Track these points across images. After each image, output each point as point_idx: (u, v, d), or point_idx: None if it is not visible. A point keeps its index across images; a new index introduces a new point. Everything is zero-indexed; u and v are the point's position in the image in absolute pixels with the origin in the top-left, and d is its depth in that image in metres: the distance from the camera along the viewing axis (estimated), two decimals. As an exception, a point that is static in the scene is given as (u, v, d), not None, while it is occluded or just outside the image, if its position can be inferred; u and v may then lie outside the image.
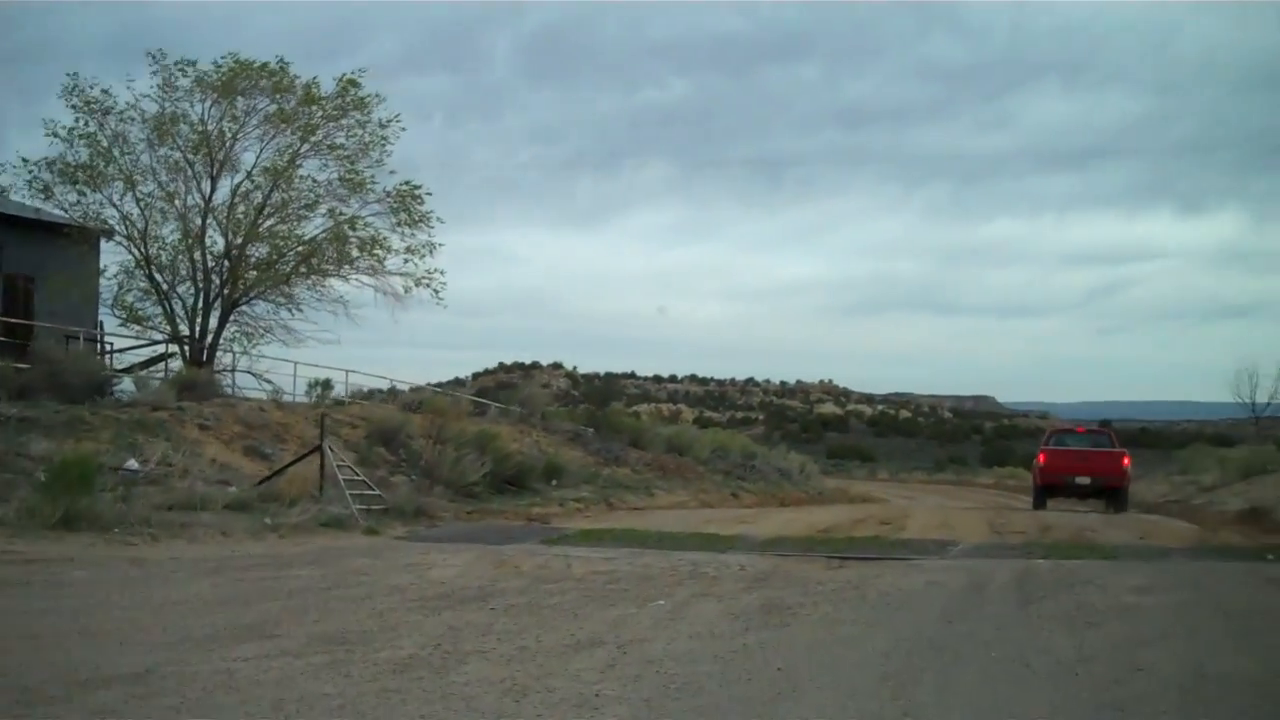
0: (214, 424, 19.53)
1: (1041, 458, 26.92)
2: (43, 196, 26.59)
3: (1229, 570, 11.54)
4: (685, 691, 6.16)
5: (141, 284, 27.55)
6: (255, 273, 27.41)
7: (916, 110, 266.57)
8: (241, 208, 27.31)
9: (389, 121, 27.43)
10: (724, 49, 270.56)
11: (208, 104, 26.74)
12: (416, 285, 27.67)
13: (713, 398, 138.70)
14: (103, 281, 27.71)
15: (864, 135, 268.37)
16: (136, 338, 28.43)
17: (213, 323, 27.08)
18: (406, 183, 27.65)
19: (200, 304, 27.04)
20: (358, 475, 16.88)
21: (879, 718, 5.76)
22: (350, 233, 27.36)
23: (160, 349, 28.10)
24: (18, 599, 8.96)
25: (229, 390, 25.96)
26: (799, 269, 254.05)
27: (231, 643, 7.26)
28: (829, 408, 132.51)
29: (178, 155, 26.85)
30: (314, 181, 27.61)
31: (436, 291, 27.86)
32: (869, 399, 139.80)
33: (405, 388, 34.63)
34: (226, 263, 26.99)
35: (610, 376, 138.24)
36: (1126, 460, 25.99)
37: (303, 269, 27.54)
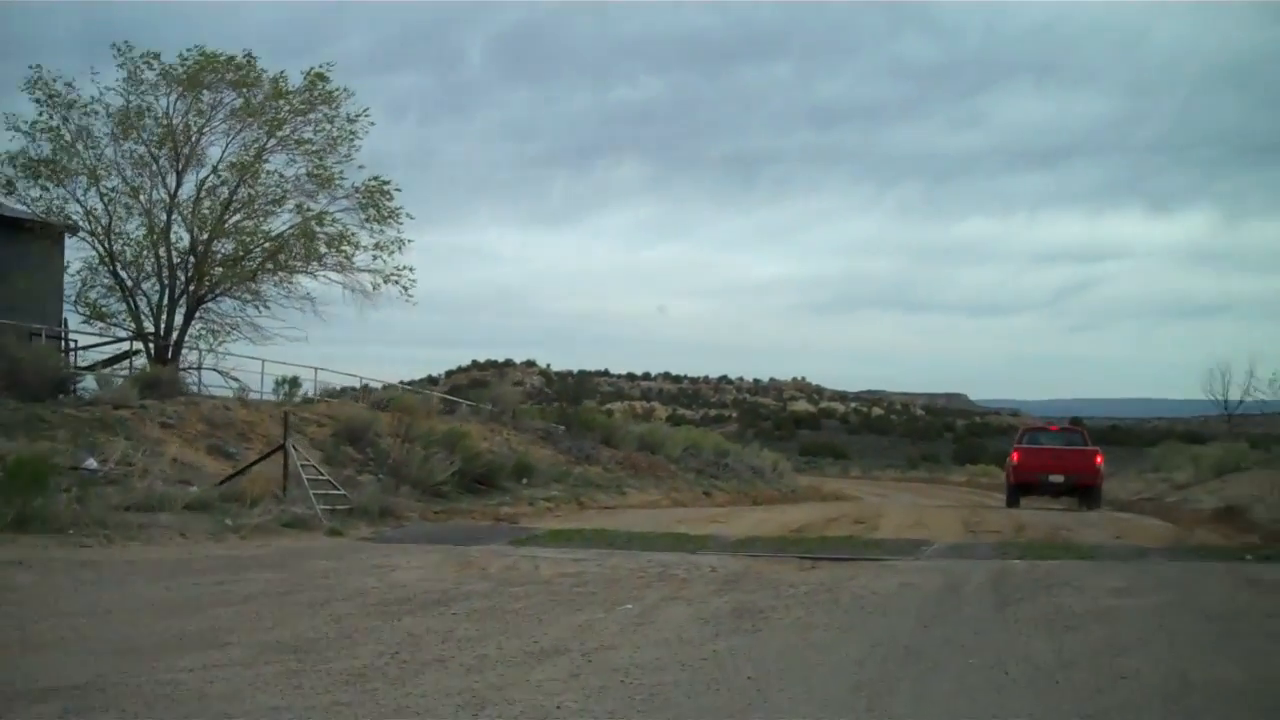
0: (177, 422, 19.16)
1: (1015, 456, 27.00)
2: (4, 191, 26.15)
3: (1208, 571, 11.35)
4: (651, 703, 5.90)
5: (105, 280, 27.20)
6: (221, 269, 27.04)
7: (890, 109, 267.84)
8: (207, 203, 26.97)
9: (358, 116, 27.13)
10: (697, 47, 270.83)
11: (173, 97, 26.39)
12: (385, 282, 27.41)
13: (686, 396, 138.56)
14: (66, 278, 27.31)
15: (837, 134, 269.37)
16: (100, 335, 28.03)
17: (178, 320, 26.71)
18: (375, 178, 27.36)
19: (165, 301, 26.67)
20: (322, 475, 16.55)
21: (853, 730, 5.53)
22: (318, 229, 27.02)
23: (125, 346, 27.70)
24: (-39, 605, 8.63)
25: (194, 388, 25.53)
26: (773, 267, 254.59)
27: (180, 652, 6.96)
28: (802, 405, 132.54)
29: (142, 150, 26.49)
30: (281, 177, 27.30)
31: (406, 289, 27.61)
32: (842, 396, 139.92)
33: (378, 385, 34.31)
34: (192, 259, 26.62)
35: (584, 374, 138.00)
36: (1099, 458, 26.05)
37: (270, 265, 27.20)
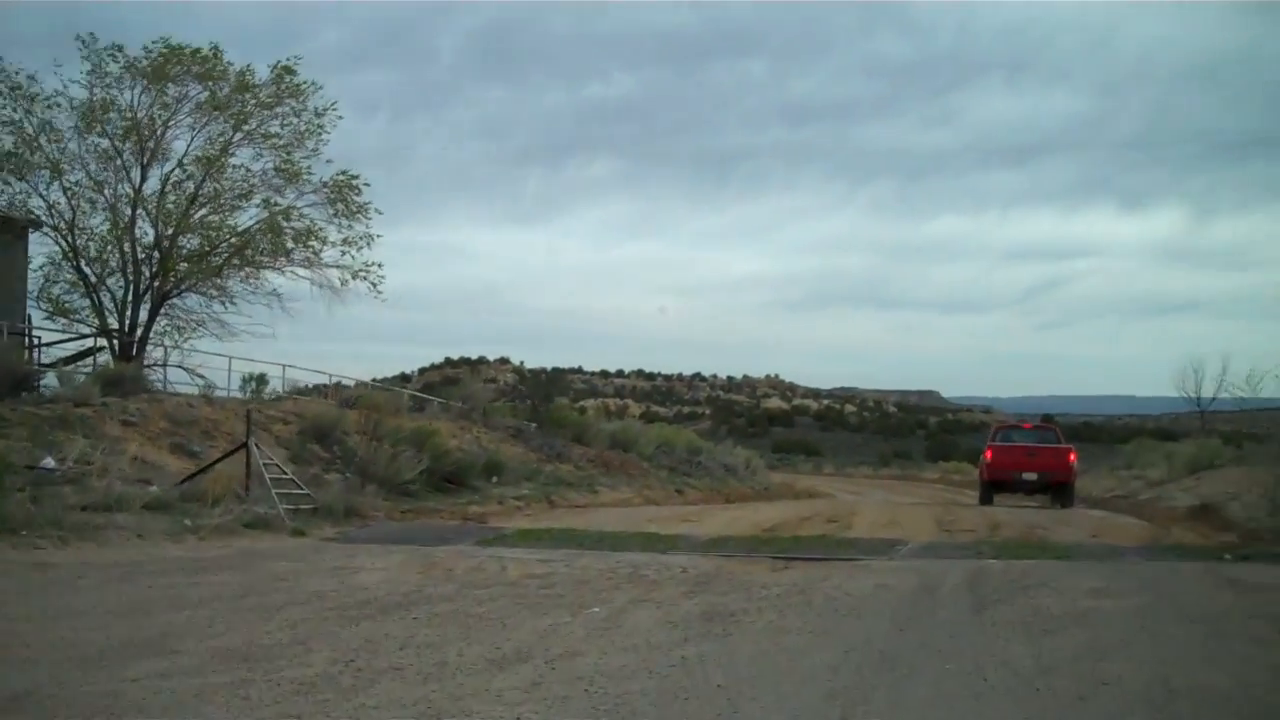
0: (139, 420, 18.77)
1: (988, 454, 26.93)
2: (-36, 186, 25.73)
3: (1186, 571, 11.16)
4: (616, 714, 5.64)
5: (69, 276, 26.91)
6: (187, 265, 26.71)
7: (863, 107, 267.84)
8: (172, 198, 26.68)
9: (325, 110, 26.85)
10: (670, 44, 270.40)
11: (138, 91, 26.05)
12: (354, 278, 27.19)
13: (660, 393, 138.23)
14: (29, 274, 26.85)
15: (810, 131, 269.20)
16: (64, 332, 27.61)
17: (143, 316, 26.38)
18: (343, 173, 27.11)
19: (130, 297, 26.34)
20: (285, 474, 16.23)
21: (826, 742, 5.28)
22: (285, 224, 26.71)
23: (89, 343, 27.28)
24: (-99, 610, 8.30)
25: (158, 385, 25.14)
26: (746, 264, 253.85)
27: (125, 660, 6.67)
28: (775, 402, 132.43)
29: (107, 143, 26.14)
30: (248, 171, 27.07)
31: (375, 284, 27.40)
32: (815, 394, 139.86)
33: (351, 383, 33.93)
34: (157, 254, 26.27)
35: (557, 371, 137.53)
36: (1073, 456, 26.06)
37: (236, 261, 26.88)
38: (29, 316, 27.08)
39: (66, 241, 26.15)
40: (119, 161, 26.17)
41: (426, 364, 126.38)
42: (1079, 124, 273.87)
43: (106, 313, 26.50)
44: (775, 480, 40.32)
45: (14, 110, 25.51)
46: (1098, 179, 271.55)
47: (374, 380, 35.94)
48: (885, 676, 6.52)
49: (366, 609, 8.60)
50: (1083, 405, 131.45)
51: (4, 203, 25.68)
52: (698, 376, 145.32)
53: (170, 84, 25.97)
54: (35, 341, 27.15)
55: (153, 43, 25.88)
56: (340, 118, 27.11)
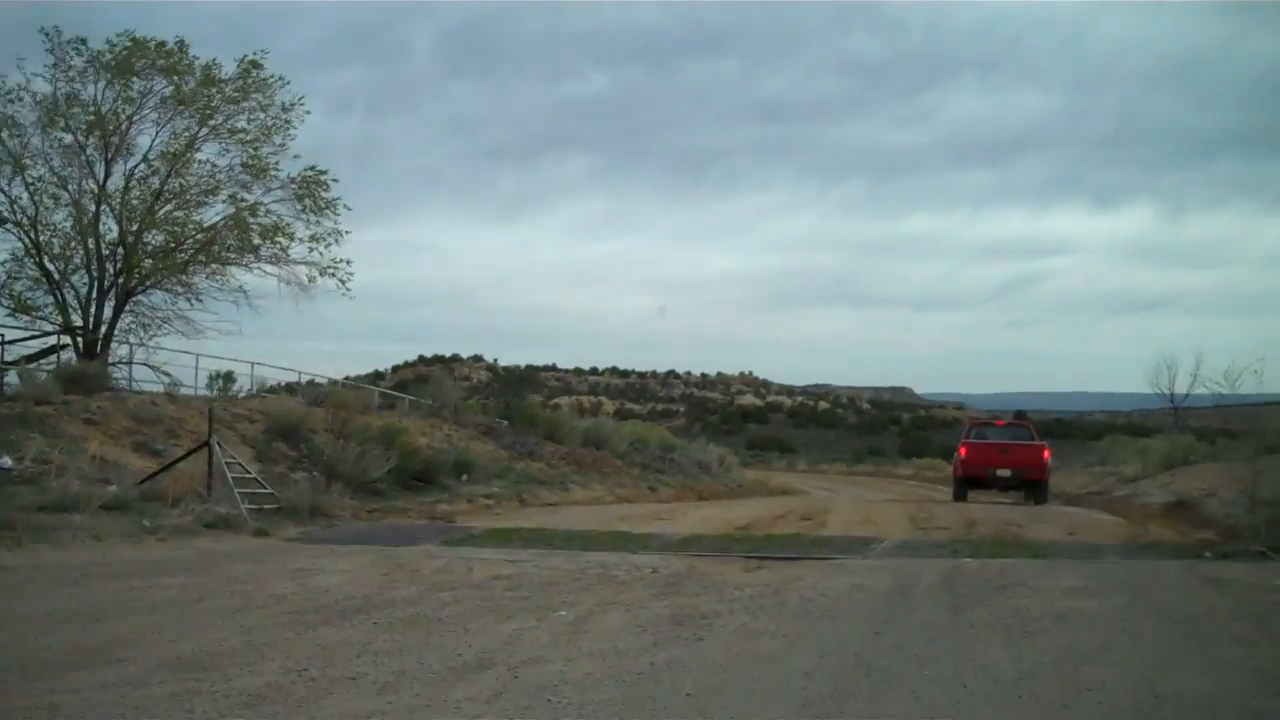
0: (101, 419, 18.38)
1: (963, 451, 26.86)
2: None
3: (1165, 570, 10.97)
4: (580, 725, 5.38)
5: (32, 272, 26.33)
6: (151, 261, 26.23)
7: (835, 106, 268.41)
8: (137, 193, 26.21)
9: (293, 105, 26.43)
10: (644, 42, 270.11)
11: (102, 85, 25.58)
12: (322, 275, 26.76)
13: (634, 390, 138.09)
14: (-8, 270, 26.39)
15: (783, 130, 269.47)
16: (26, 329, 27.09)
17: (107, 313, 25.91)
18: (311, 168, 26.70)
19: (94, 293, 25.84)
20: (249, 473, 15.90)
21: (800, 754, 5.03)
22: (252, 220, 26.30)
23: (52, 340, 26.80)
24: None
25: (122, 383, 24.74)
26: (720, 262, 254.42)
27: (68, 669, 6.36)
28: (749, 399, 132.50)
29: (70, 138, 25.67)
30: (214, 167, 26.61)
31: (343, 281, 26.99)
32: (789, 390, 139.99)
33: (323, 381, 33.55)
34: (121, 250, 25.82)
35: (531, 369, 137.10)
36: (1047, 453, 25.94)
37: (202, 257, 26.45)
38: (-10, 314, 26.65)
39: (29, 237, 25.67)
40: (83, 157, 25.71)
41: (400, 362, 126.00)
42: (1050, 123, 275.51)
43: (70, 310, 26.04)
44: (749, 477, 40.16)
45: (-26, 104, 25.04)
46: (1069, 177, 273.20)
47: (346, 378, 35.67)
48: (861, 684, 6.27)
49: (325, 613, 8.31)
50: (1055, 401, 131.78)
51: (-36, 198, 25.19)
52: (672, 374, 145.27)
53: (135, 78, 25.52)
54: (-2, 339, 26.72)
55: (117, 36, 25.45)
56: (308, 113, 26.73)
